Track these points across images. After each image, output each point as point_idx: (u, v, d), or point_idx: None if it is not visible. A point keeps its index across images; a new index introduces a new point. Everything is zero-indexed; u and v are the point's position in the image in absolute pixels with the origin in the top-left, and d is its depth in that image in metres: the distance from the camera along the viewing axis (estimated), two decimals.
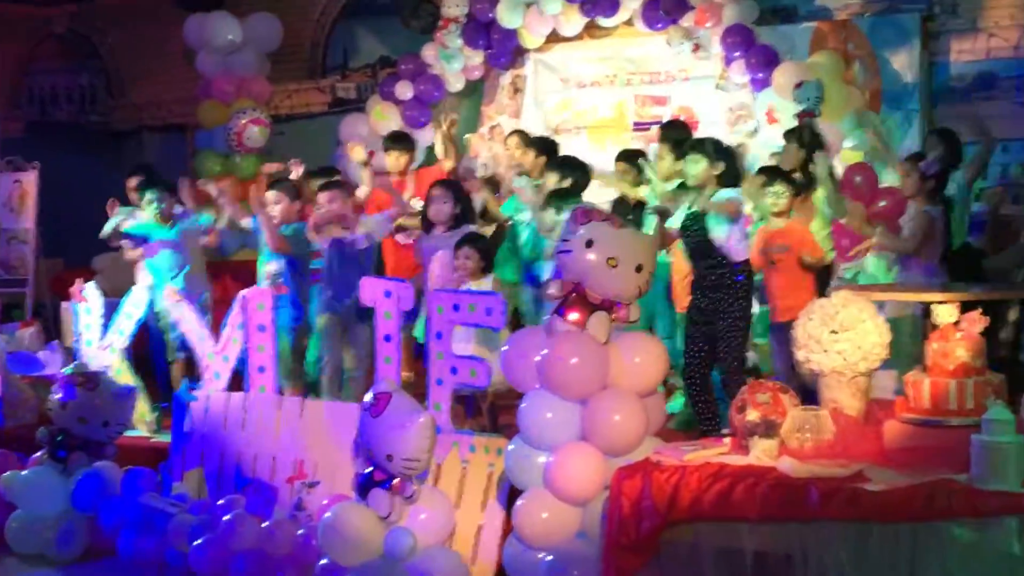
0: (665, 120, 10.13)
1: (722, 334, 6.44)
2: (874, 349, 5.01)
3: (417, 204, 8.38)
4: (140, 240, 8.35)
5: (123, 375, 7.44)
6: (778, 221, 7.05)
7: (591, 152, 10.45)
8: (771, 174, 7.09)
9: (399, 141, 9.39)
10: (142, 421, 7.60)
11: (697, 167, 6.56)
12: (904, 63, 9.36)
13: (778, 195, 7.03)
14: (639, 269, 5.02)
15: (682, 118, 9.89)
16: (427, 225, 7.67)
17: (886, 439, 4.80)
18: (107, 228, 8.55)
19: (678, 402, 7.42)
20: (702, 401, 6.56)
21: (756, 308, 6.97)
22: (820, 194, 7.65)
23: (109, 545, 6.55)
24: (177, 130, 13.03)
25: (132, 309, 7.53)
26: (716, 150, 6.63)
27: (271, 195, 7.82)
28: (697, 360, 6.56)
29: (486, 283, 6.81)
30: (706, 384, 6.58)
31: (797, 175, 7.69)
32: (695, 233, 6.55)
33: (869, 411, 5.07)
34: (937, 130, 8.22)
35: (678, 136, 8.05)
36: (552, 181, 7.91)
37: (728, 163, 6.64)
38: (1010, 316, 7.08)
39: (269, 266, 7.70)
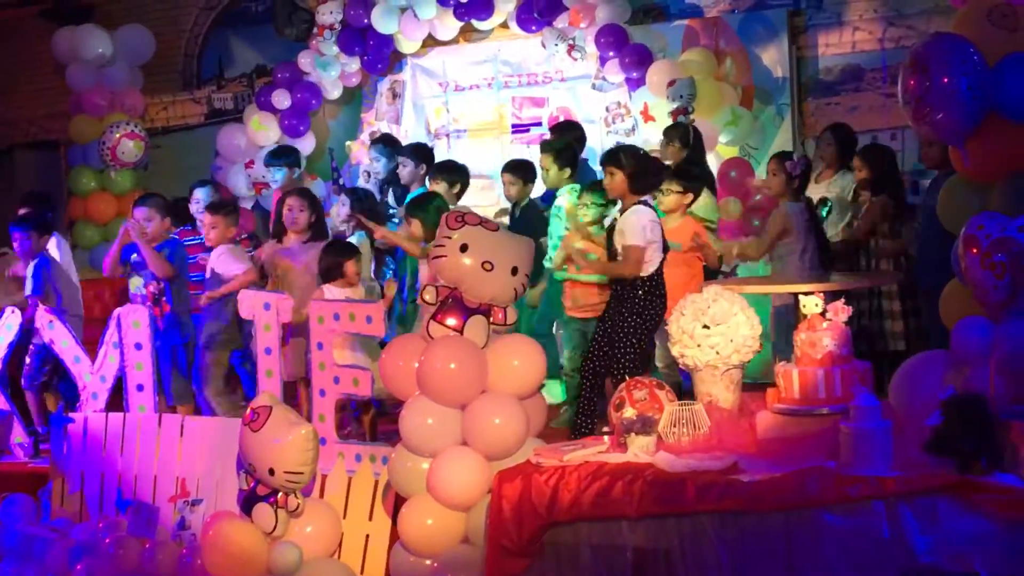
0: (544, 121, 10.25)
1: (616, 344, 6.48)
2: (746, 342, 5.10)
3: None
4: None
5: None
6: (669, 219, 7.17)
7: (473, 155, 10.50)
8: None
9: (276, 156, 9.34)
10: (18, 446, 7.42)
11: (613, 179, 6.57)
12: (773, 59, 9.54)
13: (664, 193, 7.16)
14: (515, 272, 5.04)
15: (561, 119, 9.99)
16: (278, 233, 7.60)
17: (759, 430, 4.88)
18: None
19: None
20: (586, 399, 6.61)
21: None
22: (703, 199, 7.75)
23: None
24: (50, 147, 12.74)
25: (4, 333, 7.33)
26: (629, 159, 6.59)
27: (140, 213, 7.66)
28: (594, 358, 6.61)
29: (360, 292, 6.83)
30: (597, 384, 6.60)
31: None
32: (610, 245, 6.66)
33: (743, 403, 5.16)
34: (832, 127, 8.36)
35: (559, 146, 8.06)
36: (440, 191, 7.93)
37: (642, 170, 6.62)
38: (894, 307, 7.25)
39: (149, 287, 7.57)
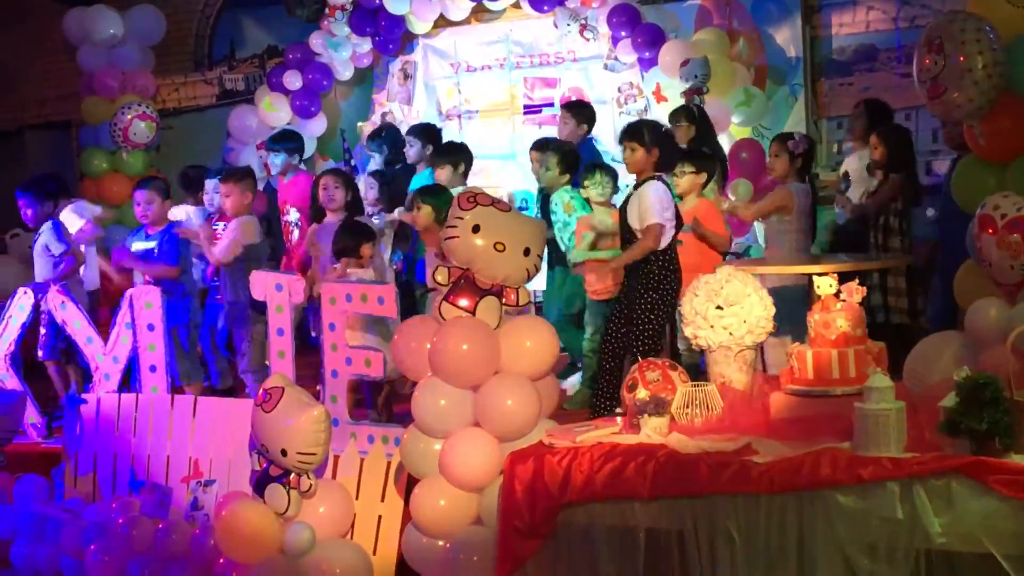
0: (555, 101, 10.22)
1: (635, 321, 6.40)
2: (759, 323, 5.09)
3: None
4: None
5: (10, 380, 7.27)
6: (686, 201, 7.14)
7: (484, 136, 10.50)
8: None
9: (278, 141, 9.30)
10: (32, 426, 7.45)
11: (633, 155, 6.46)
12: (787, 38, 9.51)
13: (678, 175, 7.12)
14: (527, 252, 5.01)
15: (573, 99, 9.96)
16: (319, 214, 7.60)
17: (772, 411, 4.87)
18: None
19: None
20: (605, 380, 6.55)
21: None
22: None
23: (2, 555, 6.42)
24: (61, 128, 12.75)
25: (17, 313, 7.35)
26: (652, 135, 6.47)
27: (142, 195, 7.66)
28: (612, 338, 6.53)
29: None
30: (617, 366, 6.52)
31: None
32: (625, 217, 6.51)
33: (756, 384, 5.15)
34: (866, 100, 8.29)
35: (567, 149, 7.88)
36: (445, 174, 7.91)
37: (664, 147, 6.53)
38: (899, 284, 7.21)
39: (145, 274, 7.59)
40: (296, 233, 8.73)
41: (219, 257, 7.47)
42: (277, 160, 9.21)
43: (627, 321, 6.44)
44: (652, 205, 6.32)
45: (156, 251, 7.51)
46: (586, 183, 7.32)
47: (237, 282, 7.39)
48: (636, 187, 6.48)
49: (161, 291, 6.70)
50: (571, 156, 7.76)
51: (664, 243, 6.38)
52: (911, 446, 4.22)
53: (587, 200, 7.36)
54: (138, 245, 7.70)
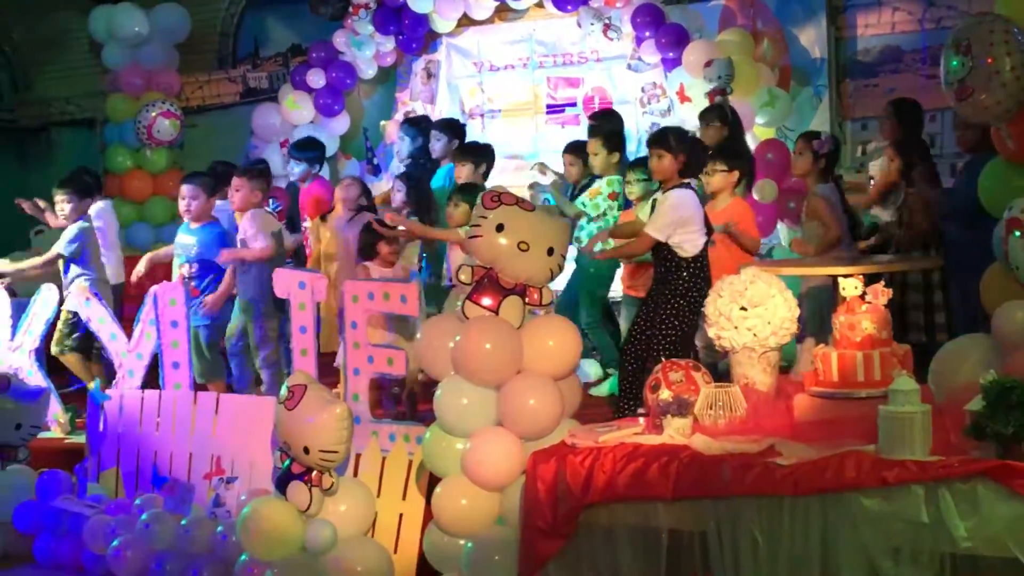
0: (579, 101, 10.21)
1: (659, 326, 6.38)
2: (784, 324, 5.06)
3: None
4: None
5: (34, 376, 7.31)
6: (718, 200, 7.11)
7: (507, 136, 10.50)
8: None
9: (299, 149, 9.29)
10: (56, 422, 7.48)
11: (661, 162, 6.41)
12: (811, 39, 9.48)
13: (709, 174, 7.09)
14: (551, 252, 5.00)
15: (596, 99, 9.96)
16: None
17: (796, 413, 4.84)
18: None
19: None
20: (628, 381, 6.52)
21: None
22: None
23: (25, 550, 6.45)
24: (86, 125, 12.82)
25: (41, 309, 7.38)
26: (678, 141, 6.43)
27: (187, 189, 7.66)
28: (636, 340, 6.50)
29: (397, 271, 6.83)
30: (639, 367, 6.48)
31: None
32: None
33: (780, 386, 5.13)
34: (894, 100, 8.26)
35: (607, 130, 7.93)
36: (466, 172, 7.91)
37: (691, 153, 6.48)
38: (916, 299, 7.16)
39: (183, 268, 7.59)
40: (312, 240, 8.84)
41: (265, 252, 7.38)
42: (297, 169, 9.13)
43: (651, 324, 6.42)
44: (663, 216, 6.31)
45: (196, 247, 7.52)
46: (630, 178, 7.29)
47: (252, 277, 7.40)
48: (663, 192, 6.46)
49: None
50: (615, 136, 7.76)
51: (693, 251, 6.35)
52: (936, 449, 4.18)
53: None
54: (180, 239, 7.73)
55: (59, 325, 7.92)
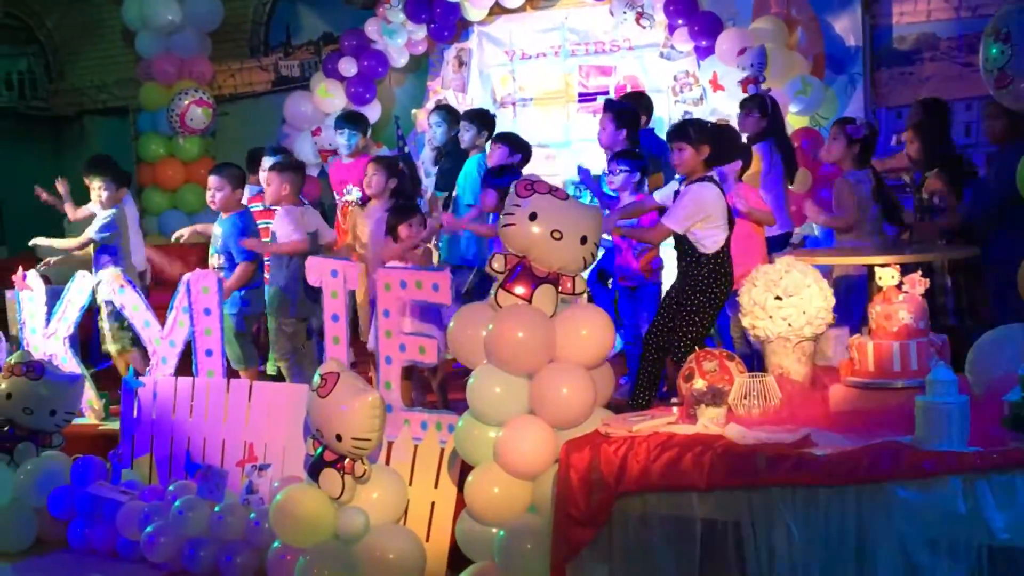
0: (611, 90, 10.17)
1: (680, 321, 6.36)
2: (819, 313, 5.01)
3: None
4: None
5: (68, 363, 7.35)
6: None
7: (539, 124, 10.48)
8: None
9: (351, 121, 9.24)
10: (90, 408, 7.53)
11: (682, 155, 6.37)
12: (846, 27, 9.40)
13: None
14: (584, 241, 4.98)
15: (628, 88, 9.90)
16: (364, 199, 7.63)
17: (832, 403, 4.81)
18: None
19: None
20: (646, 372, 6.49)
21: None
22: None
23: (60, 536, 6.51)
24: (119, 113, 12.88)
25: (76, 296, 7.42)
26: (699, 133, 6.38)
27: (213, 180, 7.66)
28: (657, 332, 6.47)
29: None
30: (659, 359, 6.48)
31: None
32: None
33: (815, 376, 5.09)
34: (922, 100, 8.16)
35: (618, 107, 7.91)
36: (497, 155, 7.90)
37: (714, 144, 6.41)
38: (944, 282, 7.08)
39: (212, 259, 7.61)
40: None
41: (296, 247, 7.38)
42: (350, 140, 8.94)
43: (672, 317, 6.40)
44: (682, 208, 6.28)
45: (221, 238, 7.52)
46: (612, 168, 7.26)
47: (280, 270, 7.42)
48: (686, 184, 6.41)
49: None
50: (626, 115, 7.75)
51: (714, 247, 6.30)
52: (974, 440, 4.15)
53: None
54: (214, 229, 7.75)
55: (105, 322, 7.87)
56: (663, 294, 6.74)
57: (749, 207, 7.02)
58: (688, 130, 6.43)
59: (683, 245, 6.35)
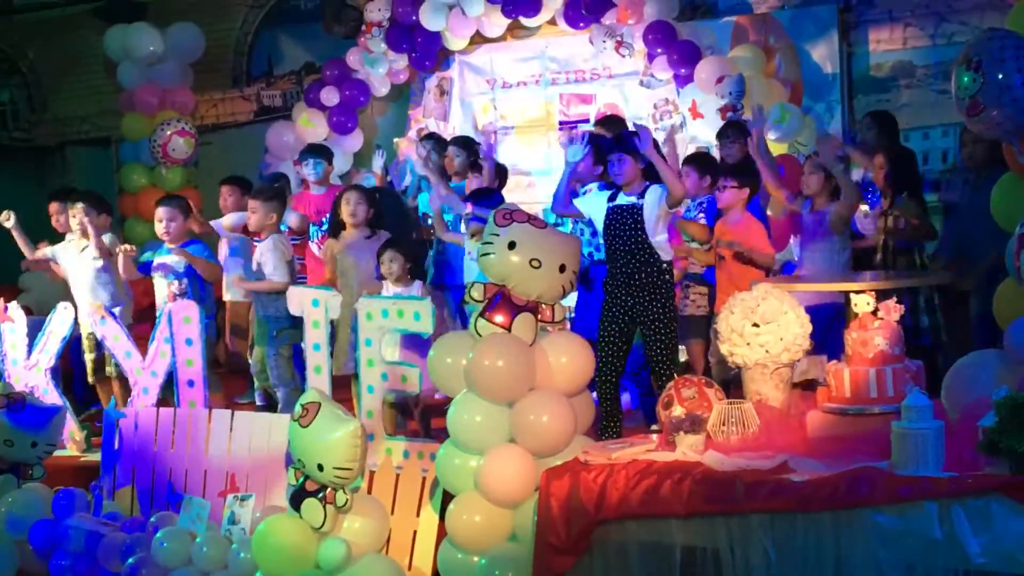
0: (591, 118, 10.23)
1: (653, 336, 6.39)
2: (796, 340, 5.06)
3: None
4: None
5: (50, 394, 7.34)
6: (727, 217, 7.11)
7: (520, 152, 10.54)
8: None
9: (315, 151, 9.28)
10: (71, 440, 7.51)
11: (622, 167, 6.49)
12: (823, 55, 9.49)
13: (719, 190, 7.09)
14: (562, 269, 5.03)
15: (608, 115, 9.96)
16: (337, 229, 7.59)
17: (809, 429, 4.85)
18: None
19: None
20: (609, 408, 6.51)
21: None
22: None
23: (41, 568, 6.44)
24: (102, 144, 12.89)
25: (57, 327, 7.42)
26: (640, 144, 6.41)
27: (162, 212, 7.73)
28: (615, 361, 6.48)
29: (414, 289, 6.82)
30: (617, 388, 6.56)
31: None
32: (626, 229, 6.45)
33: (792, 402, 5.13)
34: (872, 112, 8.24)
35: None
36: (475, 183, 7.95)
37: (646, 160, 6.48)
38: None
39: (171, 285, 7.63)
40: None
41: (284, 281, 7.41)
42: (316, 169, 9.02)
43: (629, 339, 6.52)
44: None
45: (183, 264, 7.60)
46: None
47: (277, 299, 7.43)
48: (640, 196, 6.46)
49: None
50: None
51: (667, 256, 6.49)
52: (949, 466, 4.19)
53: None
54: (163, 260, 7.80)
55: (90, 352, 7.92)
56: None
57: (748, 251, 7.01)
58: (630, 141, 6.49)
59: (642, 255, 6.38)
